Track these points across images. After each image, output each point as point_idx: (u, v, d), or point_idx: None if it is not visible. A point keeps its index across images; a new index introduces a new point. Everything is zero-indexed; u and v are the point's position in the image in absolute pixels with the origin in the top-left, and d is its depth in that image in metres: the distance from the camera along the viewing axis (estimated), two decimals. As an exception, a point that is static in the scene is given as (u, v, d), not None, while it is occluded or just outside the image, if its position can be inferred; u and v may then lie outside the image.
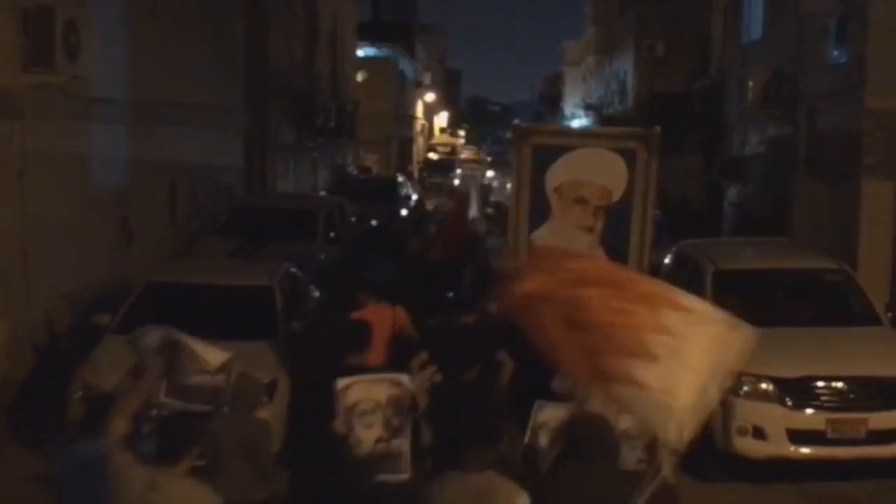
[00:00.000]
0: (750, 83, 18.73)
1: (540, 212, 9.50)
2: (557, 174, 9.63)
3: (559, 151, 9.71)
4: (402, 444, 7.45)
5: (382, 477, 7.22)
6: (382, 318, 9.33)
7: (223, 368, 7.10)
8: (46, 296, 12.16)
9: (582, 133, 11.83)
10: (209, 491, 5.57)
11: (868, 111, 14.07)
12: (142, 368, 6.58)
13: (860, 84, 14.24)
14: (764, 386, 9.45)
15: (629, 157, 9.45)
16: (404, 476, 7.33)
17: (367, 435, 7.33)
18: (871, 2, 14.06)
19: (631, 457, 6.64)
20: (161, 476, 5.40)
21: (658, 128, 10.75)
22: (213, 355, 7.02)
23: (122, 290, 11.76)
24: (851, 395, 9.44)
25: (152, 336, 6.78)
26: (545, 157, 9.68)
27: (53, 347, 12.06)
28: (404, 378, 7.71)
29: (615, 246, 9.38)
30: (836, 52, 16.01)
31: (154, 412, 7.07)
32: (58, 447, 6.45)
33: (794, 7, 16.56)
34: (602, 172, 9.58)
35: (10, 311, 11.31)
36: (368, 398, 7.46)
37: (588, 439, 5.74)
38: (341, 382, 7.46)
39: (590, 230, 9.48)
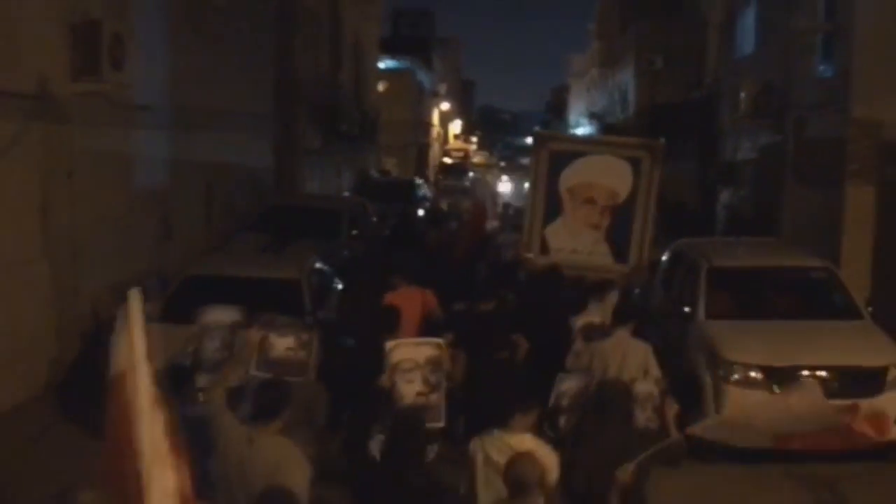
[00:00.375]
0: (742, 94, 18.72)
1: (553, 209, 9.75)
2: (571, 176, 9.87)
3: (573, 156, 9.90)
4: (439, 398, 7.94)
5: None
6: (413, 300, 9.68)
7: (304, 345, 8.03)
8: (92, 287, 12.23)
9: (594, 141, 12.22)
10: (298, 447, 5.91)
11: (852, 121, 14.06)
12: (235, 345, 7.30)
13: (845, 96, 14.23)
14: (753, 374, 9.46)
15: (635, 164, 9.71)
16: (439, 424, 7.78)
17: (408, 389, 7.78)
18: (855, 20, 14.05)
19: (641, 417, 6.97)
20: (257, 434, 5.81)
21: (662, 139, 11.07)
22: (295, 332, 8.03)
23: (162, 281, 11.84)
24: (834, 384, 9.43)
25: (234, 315, 7.54)
26: (561, 161, 9.89)
27: (98, 334, 12.14)
28: (441, 342, 8.21)
29: (618, 241, 9.69)
30: (822, 67, 15.99)
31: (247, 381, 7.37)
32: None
33: (784, 24, 16.54)
34: (610, 176, 9.81)
35: (59, 300, 11.40)
36: (410, 358, 7.94)
37: (610, 401, 6.57)
38: (389, 344, 7.99)
39: (596, 227, 9.77)
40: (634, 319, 8.99)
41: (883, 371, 9.51)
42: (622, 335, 8.62)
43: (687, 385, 10.12)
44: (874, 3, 13.83)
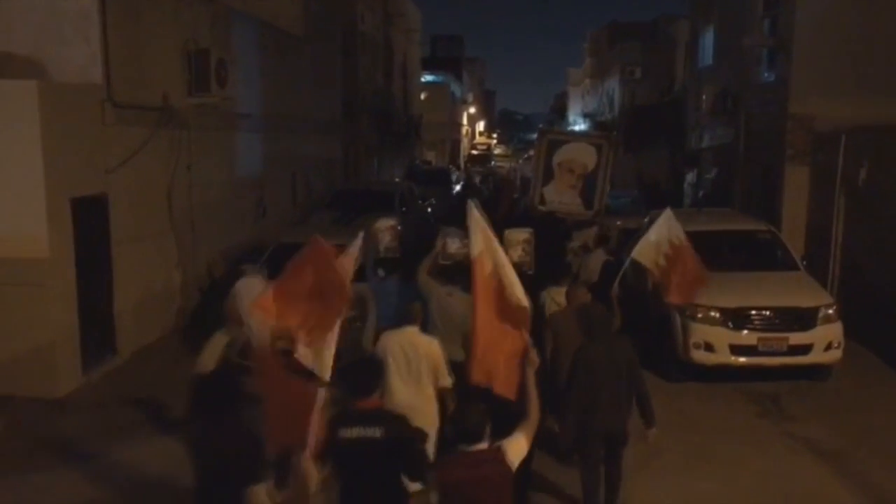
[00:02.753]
0: (703, 97, 18.47)
1: (548, 176, 11.21)
2: (560, 155, 11.19)
3: (562, 143, 11.40)
4: None
5: None
6: None
7: None
8: (207, 253, 12.37)
9: (575, 134, 13.95)
10: None
11: (790, 116, 13.85)
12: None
13: (784, 96, 14.01)
14: (713, 313, 9.40)
15: (598, 148, 11.22)
16: None
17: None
18: (793, 37, 13.83)
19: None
20: (453, 289, 7.07)
21: (615, 133, 12.58)
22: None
23: (259, 248, 11.96)
24: (776, 321, 9.35)
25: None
26: (554, 146, 11.32)
27: (213, 288, 12.28)
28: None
29: (587, 196, 11.02)
30: (766, 74, 15.72)
31: None
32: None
33: (736, 41, 16.26)
34: (583, 155, 11.17)
35: (182, 263, 11.55)
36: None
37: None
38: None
39: (573, 187, 11.14)
40: (606, 243, 11.13)
41: (814, 311, 9.41)
42: (599, 252, 10.74)
43: (661, 323, 10.11)
44: (809, 23, 13.61)
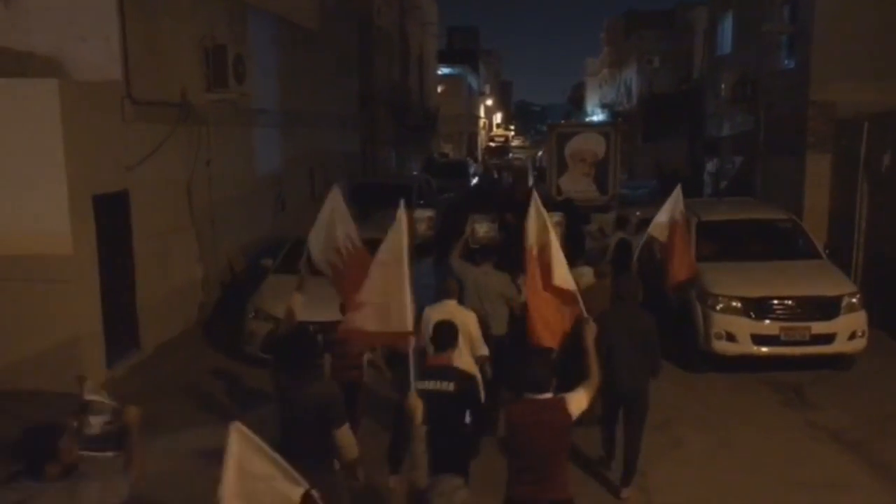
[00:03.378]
0: (722, 85, 18.31)
1: (562, 167, 12.25)
2: (570, 146, 12.17)
3: (571, 135, 12.34)
4: None
5: None
6: None
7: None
8: (227, 247, 12.46)
9: (582, 125, 14.55)
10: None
11: (811, 103, 13.73)
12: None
13: (805, 83, 13.88)
14: (734, 303, 9.35)
15: (607, 136, 12.15)
16: None
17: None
18: (814, 23, 13.69)
19: None
20: (484, 270, 7.60)
21: (620, 120, 14.01)
22: None
23: (277, 242, 12.03)
24: (798, 310, 9.28)
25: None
26: (564, 138, 12.30)
27: (233, 283, 12.38)
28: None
29: (601, 182, 12.02)
30: (787, 60, 15.56)
31: None
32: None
33: (756, 27, 16.10)
34: (593, 144, 12.11)
35: (203, 258, 11.64)
36: None
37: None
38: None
39: (587, 175, 12.09)
40: (625, 227, 11.37)
41: (838, 299, 9.33)
42: (617, 235, 11.15)
43: (682, 312, 10.07)
44: (829, 9, 13.47)
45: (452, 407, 4.83)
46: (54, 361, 8.63)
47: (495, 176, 27.20)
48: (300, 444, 4.71)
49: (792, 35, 15.12)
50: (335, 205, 6.42)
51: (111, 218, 9.33)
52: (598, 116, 52.59)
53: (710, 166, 22.15)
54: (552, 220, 7.99)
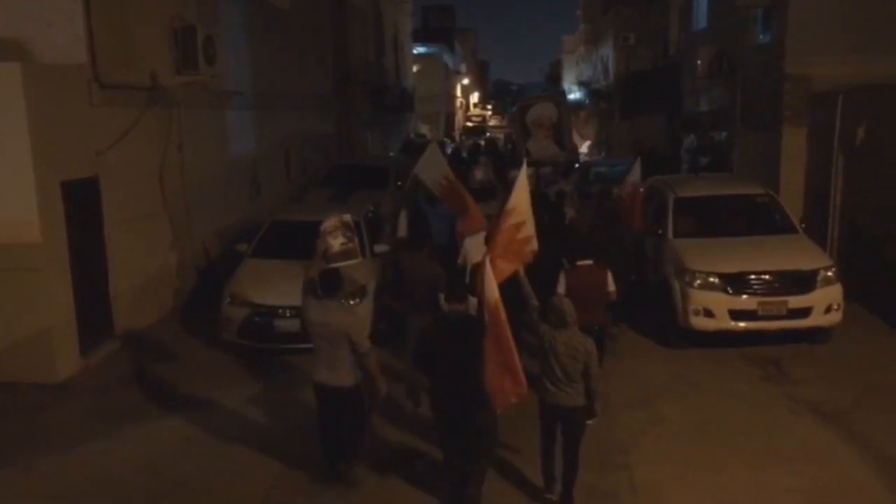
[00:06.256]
0: (699, 61, 18.29)
1: (527, 134, 13.92)
2: (529, 116, 13.87)
3: (530, 106, 14.11)
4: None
5: None
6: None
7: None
8: (202, 233, 12.32)
9: (536, 96, 16.39)
10: None
11: (787, 76, 13.73)
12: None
13: (780, 57, 13.89)
14: (711, 279, 9.39)
15: (556, 103, 14.05)
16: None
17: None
18: (788, -4, 13.69)
19: None
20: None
21: (562, 88, 18.61)
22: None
23: (253, 227, 11.92)
24: (776, 284, 9.33)
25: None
26: (524, 110, 14.18)
27: (209, 268, 12.26)
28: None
29: (558, 139, 13.72)
30: (762, 35, 15.57)
31: None
32: None
33: (731, 2, 16.09)
34: (547, 111, 13.82)
35: (177, 244, 11.50)
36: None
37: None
38: None
39: (547, 137, 13.72)
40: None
41: (814, 273, 9.40)
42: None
43: (660, 288, 10.10)
44: (804, -18, 13.44)
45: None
46: (28, 352, 8.51)
47: (464, 155, 27.21)
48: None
49: (767, 9, 15.10)
50: (434, 152, 9.36)
51: (81, 204, 9.16)
52: (575, 94, 52.47)
53: (688, 142, 22.20)
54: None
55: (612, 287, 7.78)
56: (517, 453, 6.76)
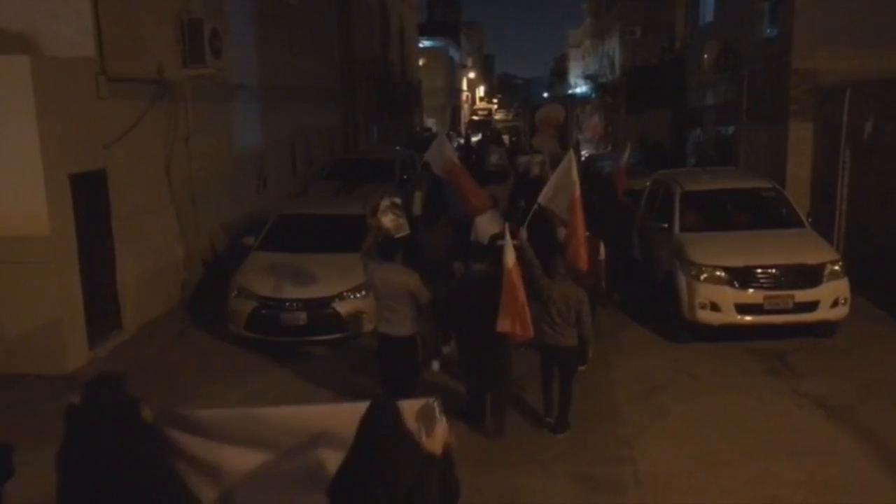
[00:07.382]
0: (705, 55, 18.21)
1: (533, 130, 15.78)
2: (539, 115, 15.27)
3: (539, 106, 16.13)
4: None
5: None
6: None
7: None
8: (209, 225, 12.35)
9: (546, 98, 16.80)
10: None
11: (793, 71, 13.69)
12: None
13: (787, 51, 13.83)
14: (718, 273, 9.37)
15: (564, 106, 16.19)
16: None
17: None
18: (795, -11, 13.63)
19: None
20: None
21: (572, 94, 17.83)
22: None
23: (260, 220, 11.93)
24: (782, 278, 9.31)
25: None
26: (534, 108, 16.56)
27: (216, 261, 12.30)
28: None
29: (563, 139, 15.55)
30: (769, 29, 15.50)
31: None
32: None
33: (738, -4, 16.07)
34: (555, 112, 15.30)
35: (184, 237, 11.53)
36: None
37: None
38: None
39: (552, 136, 15.04)
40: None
41: (820, 267, 9.37)
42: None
43: (666, 282, 10.09)
44: (810, -24, 13.39)
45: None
46: (37, 344, 8.55)
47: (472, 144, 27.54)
48: None
49: (774, 3, 15.04)
50: (443, 140, 10.11)
51: (89, 197, 9.18)
52: (580, 88, 52.33)
53: (694, 136, 22.13)
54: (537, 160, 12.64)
55: (602, 256, 8.94)
56: (523, 390, 8.06)
